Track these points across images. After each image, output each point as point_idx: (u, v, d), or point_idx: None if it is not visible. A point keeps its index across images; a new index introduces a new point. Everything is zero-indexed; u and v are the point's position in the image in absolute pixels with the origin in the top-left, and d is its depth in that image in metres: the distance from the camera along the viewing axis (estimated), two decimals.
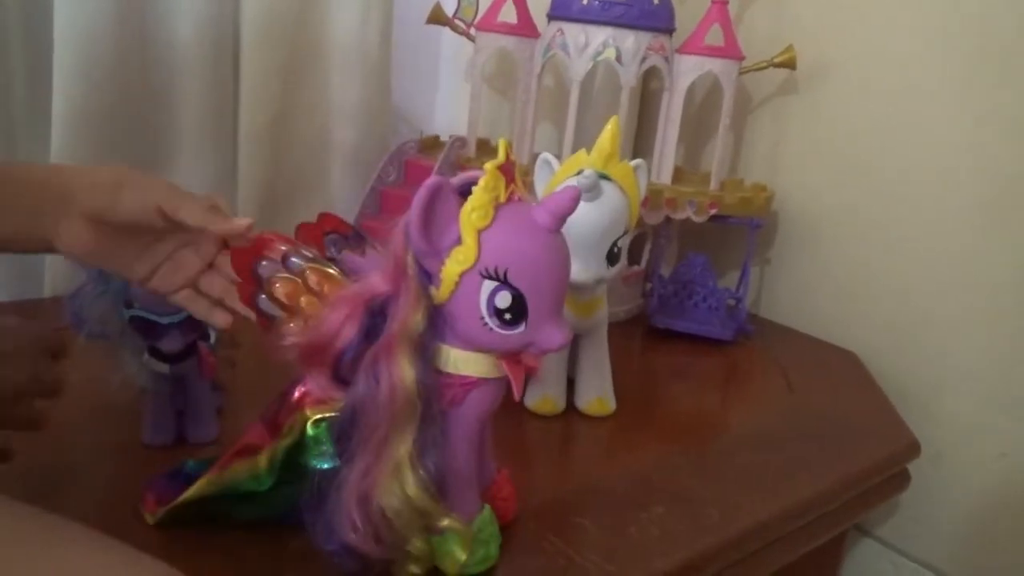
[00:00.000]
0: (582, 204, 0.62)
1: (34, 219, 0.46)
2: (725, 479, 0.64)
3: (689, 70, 0.92)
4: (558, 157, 0.69)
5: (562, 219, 0.44)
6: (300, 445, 0.46)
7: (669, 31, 0.91)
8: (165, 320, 0.53)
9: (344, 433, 0.43)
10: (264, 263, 0.47)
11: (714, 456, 0.68)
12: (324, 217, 0.51)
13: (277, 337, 0.45)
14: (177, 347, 0.55)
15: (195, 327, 0.55)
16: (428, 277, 0.43)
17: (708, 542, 0.55)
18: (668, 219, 0.93)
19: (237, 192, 0.90)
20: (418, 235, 0.42)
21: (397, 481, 0.42)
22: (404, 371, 0.42)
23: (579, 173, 0.63)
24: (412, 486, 0.42)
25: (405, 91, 1.10)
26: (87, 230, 0.46)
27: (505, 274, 0.42)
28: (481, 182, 0.42)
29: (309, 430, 0.46)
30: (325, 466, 0.45)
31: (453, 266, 0.42)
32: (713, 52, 0.91)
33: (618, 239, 0.65)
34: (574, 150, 0.88)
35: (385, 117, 1.00)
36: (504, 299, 0.42)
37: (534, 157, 0.95)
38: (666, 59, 0.91)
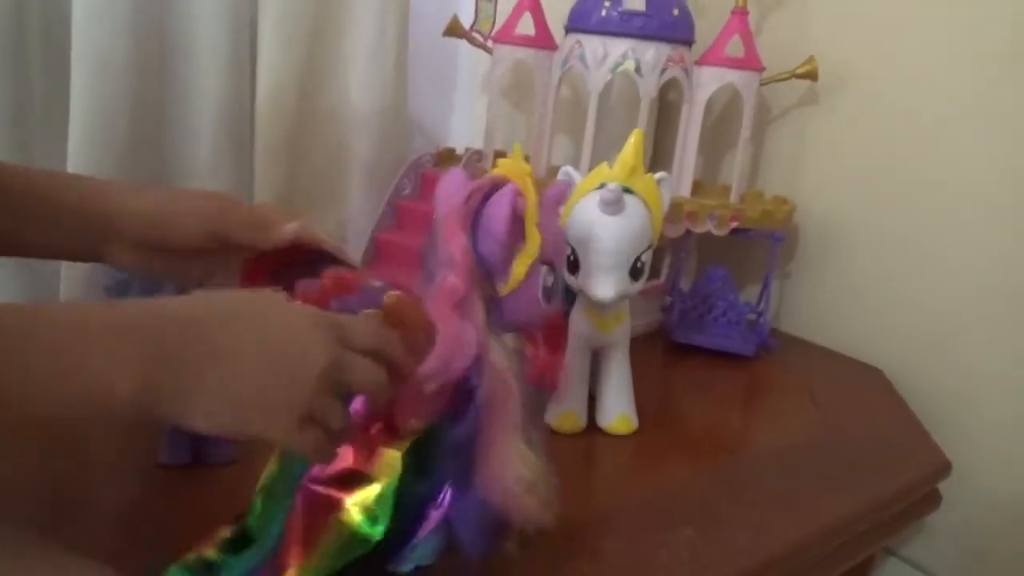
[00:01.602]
0: (606, 218, 0.62)
1: (81, 237, 0.46)
2: (754, 500, 0.62)
3: (709, 82, 0.90)
4: (575, 170, 0.67)
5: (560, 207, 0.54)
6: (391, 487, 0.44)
7: (689, 43, 0.90)
8: None
9: (463, 440, 0.44)
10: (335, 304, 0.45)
11: (742, 476, 0.66)
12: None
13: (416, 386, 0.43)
14: None
15: None
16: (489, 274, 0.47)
17: (738, 566, 0.54)
18: (688, 232, 0.91)
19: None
20: (509, 240, 0.46)
21: (527, 454, 0.44)
22: (499, 359, 0.45)
23: (602, 187, 0.62)
24: (533, 456, 0.45)
25: (422, 103, 1.09)
26: (133, 254, 0.46)
27: (551, 258, 0.49)
28: (528, 182, 0.48)
29: (400, 466, 0.43)
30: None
31: (523, 260, 0.47)
32: (733, 64, 0.90)
33: (642, 254, 0.63)
34: (591, 162, 0.87)
35: (402, 130, 0.99)
36: (549, 279, 0.49)
37: (552, 169, 0.95)
38: (686, 71, 0.90)
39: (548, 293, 0.49)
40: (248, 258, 0.49)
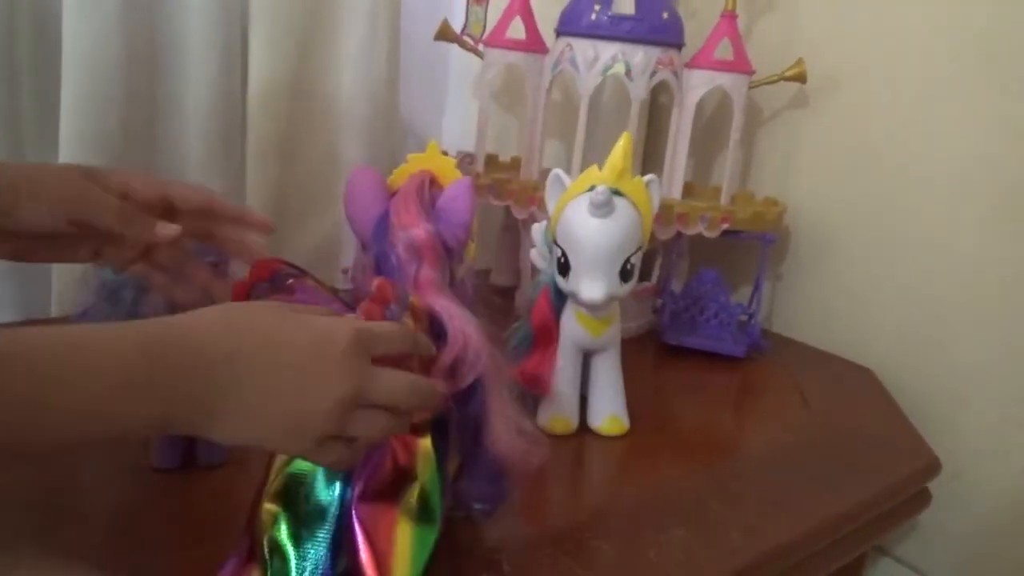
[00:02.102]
0: (595, 221, 0.62)
1: None
2: (745, 500, 0.62)
3: (699, 84, 0.91)
4: (567, 172, 0.68)
5: None
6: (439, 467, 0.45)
7: (678, 46, 0.91)
8: None
9: (472, 417, 0.47)
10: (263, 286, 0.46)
11: (732, 476, 0.66)
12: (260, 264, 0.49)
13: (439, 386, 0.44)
14: None
15: None
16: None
17: (729, 565, 0.54)
18: (679, 234, 0.92)
19: None
20: (469, 222, 0.52)
21: (512, 402, 0.47)
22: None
23: (591, 189, 0.62)
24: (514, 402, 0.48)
25: (414, 107, 1.09)
26: None
27: None
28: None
29: (433, 454, 0.45)
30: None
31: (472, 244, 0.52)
32: (723, 66, 0.90)
33: (631, 256, 0.64)
34: (583, 165, 0.87)
35: (393, 133, 0.99)
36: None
37: (543, 172, 0.95)
38: (675, 74, 0.90)
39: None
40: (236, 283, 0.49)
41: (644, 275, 0.97)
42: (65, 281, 0.78)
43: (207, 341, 0.36)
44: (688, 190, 0.99)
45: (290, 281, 0.48)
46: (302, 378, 0.37)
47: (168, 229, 0.48)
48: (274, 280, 0.48)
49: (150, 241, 0.48)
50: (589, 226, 0.62)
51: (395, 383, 0.40)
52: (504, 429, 0.46)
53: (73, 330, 0.34)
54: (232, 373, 0.36)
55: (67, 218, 0.44)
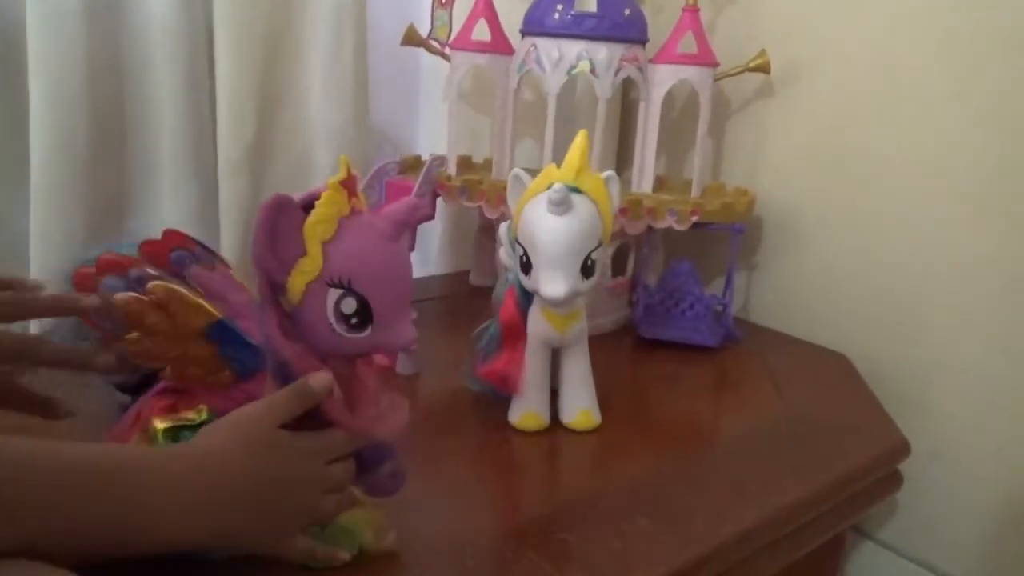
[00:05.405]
0: (553, 219, 0.63)
1: None
2: (711, 488, 0.63)
3: (664, 79, 0.92)
4: (538, 172, 0.69)
5: (401, 227, 0.47)
6: None
7: (642, 42, 0.92)
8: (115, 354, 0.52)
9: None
10: (107, 281, 0.49)
11: (701, 465, 0.67)
12: (169, 234, 0.51)
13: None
14: (134, 379, 0.54)
15: None
16: (276, 289, 0.46)
17: (692, 552, 0.55)
18: (651, 228, 0.93)
19: (219, 220, 0.90)
20: (263, 249, 0.44)
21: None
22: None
23: (549, 187, 0.63)
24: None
25: (387, 112, 1.10)
26: None
27: (348, 282, 0.45)
28: (323, 197, 0.45)
29: (161, 440, 0.47)
30: None
31: (299, 277, 0.45)
32: (687, 60, 0.91)
33: (592, 252, 0.65)
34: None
35: (365, 139, 1.00)
36: (349, 305, 0.45)
37: None
38: (641, 69, 0.91)
39: (345, 319, 0.46)
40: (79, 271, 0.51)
41: (619, 269, 0.98)
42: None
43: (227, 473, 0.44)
44: (660, 183, 1.00)
45: (217, 264, 0.51)
46: (269, 505, 0.46)
47: None
48: (195, 254, 0.51)
49: None
50: (548, 224, 0.63)
51: (338, 476, 0.49)
52: (372, 422, 0.50)
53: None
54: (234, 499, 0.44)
55: None
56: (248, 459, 0.44)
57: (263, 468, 0.45)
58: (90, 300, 0.49)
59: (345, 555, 0.49)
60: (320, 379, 0.46)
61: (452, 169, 0.97)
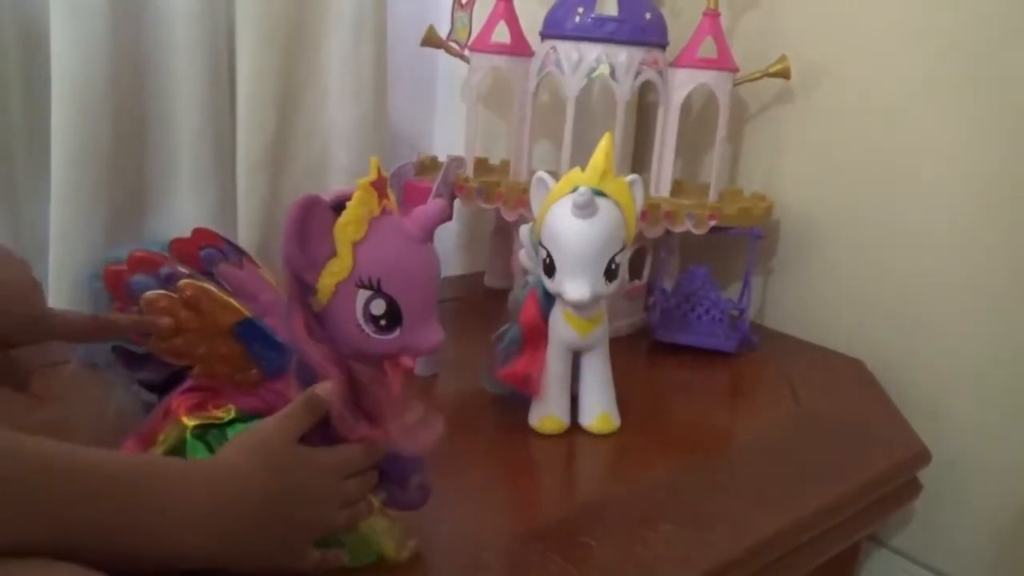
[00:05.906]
0: (579, 222, 0.63)
1: None
2: (732, 494, 0.63)
3: (683, 83, 0.92)
4: (556, 174, 0.69)
5: (430, 230, 0.47)
6: (176, 452, 0.48)
7: (662, 45, 0.92)
8: (142, 350, 0.52)
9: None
10: (137, 278, 0.49)
11: (721, 471, 0.67)
12: (199, 232, 0.52)
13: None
14: (161, 377, 0.53)
15: None
16: (305, 289, 0.46)
17: (716, 559, 0.55)
18: (668, 232, 0.93)
19: (238, 220, 0.91)
20: (293, 249, 0.44)
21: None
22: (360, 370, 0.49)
23: (574, 191, 0.63)
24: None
25: (404, 113, 1.10)
26: None
27: (378, 283, 0.45)
28: (354, 197, 0.44)
29: (188, 437, 0.48)
30: None
31: (328, 277, 0.45)
32: (707, 64, 0.91)
33: (616, 255, 0.65)
34: (571, 167, 0.88)
35: (383, 140, 1.01)
36: (379, 307, 0.45)
37: (532, 174, 0.96)
38: (660, 73, 0.91)
39: (374, 321, 0.45)
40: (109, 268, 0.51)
41: (636, 273, 0.98)
42: (56, 298, 0.79)
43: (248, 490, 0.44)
44: (677, 188, 1.00)
45: (245, 262, 0.52)
46: (288, 520, 0.46)
47: None
48: (224, 252, 0.51)
49: None
50: (573, 227, 0.63)
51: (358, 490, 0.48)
52: (405, 437, 0.49)
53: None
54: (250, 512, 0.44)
55: None
56: (265, 474, 0.44)
57: (279, 484, 0.45)
58: (166, 322, 0.49)
59: (344, 556, 0.49)
60: (325, 387, 0.46)
61: (470, 170, 0.97)
